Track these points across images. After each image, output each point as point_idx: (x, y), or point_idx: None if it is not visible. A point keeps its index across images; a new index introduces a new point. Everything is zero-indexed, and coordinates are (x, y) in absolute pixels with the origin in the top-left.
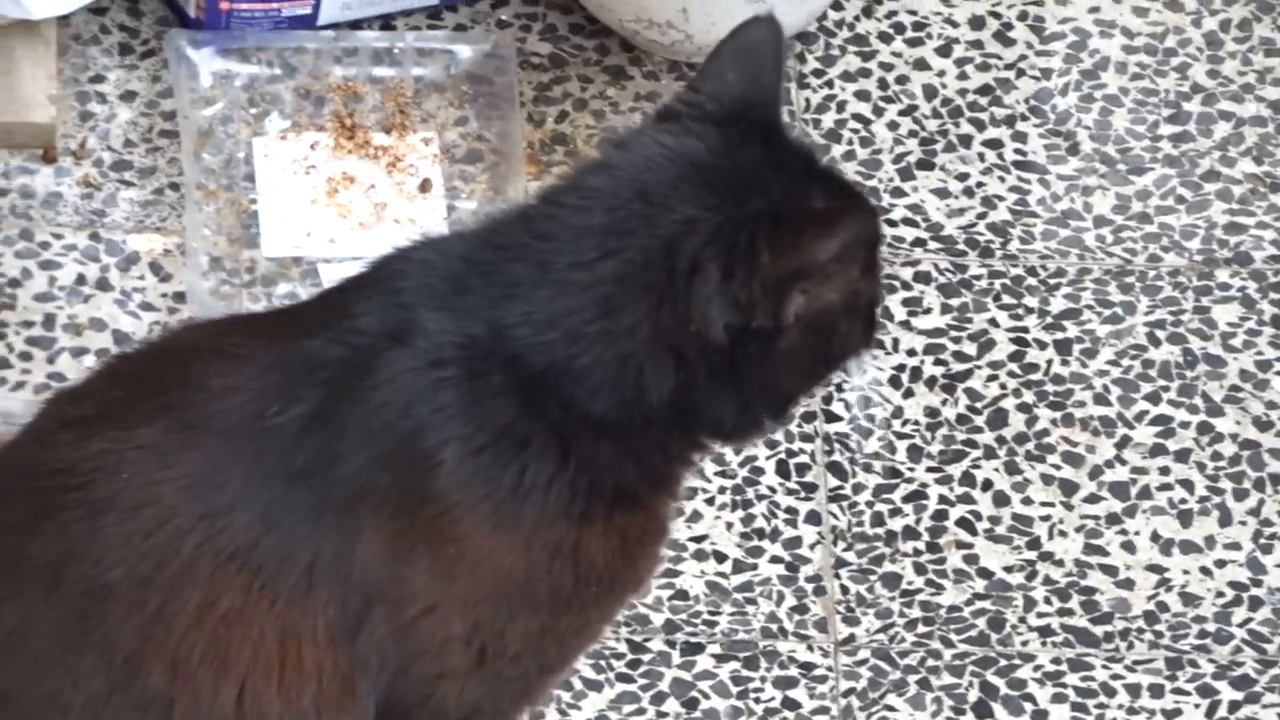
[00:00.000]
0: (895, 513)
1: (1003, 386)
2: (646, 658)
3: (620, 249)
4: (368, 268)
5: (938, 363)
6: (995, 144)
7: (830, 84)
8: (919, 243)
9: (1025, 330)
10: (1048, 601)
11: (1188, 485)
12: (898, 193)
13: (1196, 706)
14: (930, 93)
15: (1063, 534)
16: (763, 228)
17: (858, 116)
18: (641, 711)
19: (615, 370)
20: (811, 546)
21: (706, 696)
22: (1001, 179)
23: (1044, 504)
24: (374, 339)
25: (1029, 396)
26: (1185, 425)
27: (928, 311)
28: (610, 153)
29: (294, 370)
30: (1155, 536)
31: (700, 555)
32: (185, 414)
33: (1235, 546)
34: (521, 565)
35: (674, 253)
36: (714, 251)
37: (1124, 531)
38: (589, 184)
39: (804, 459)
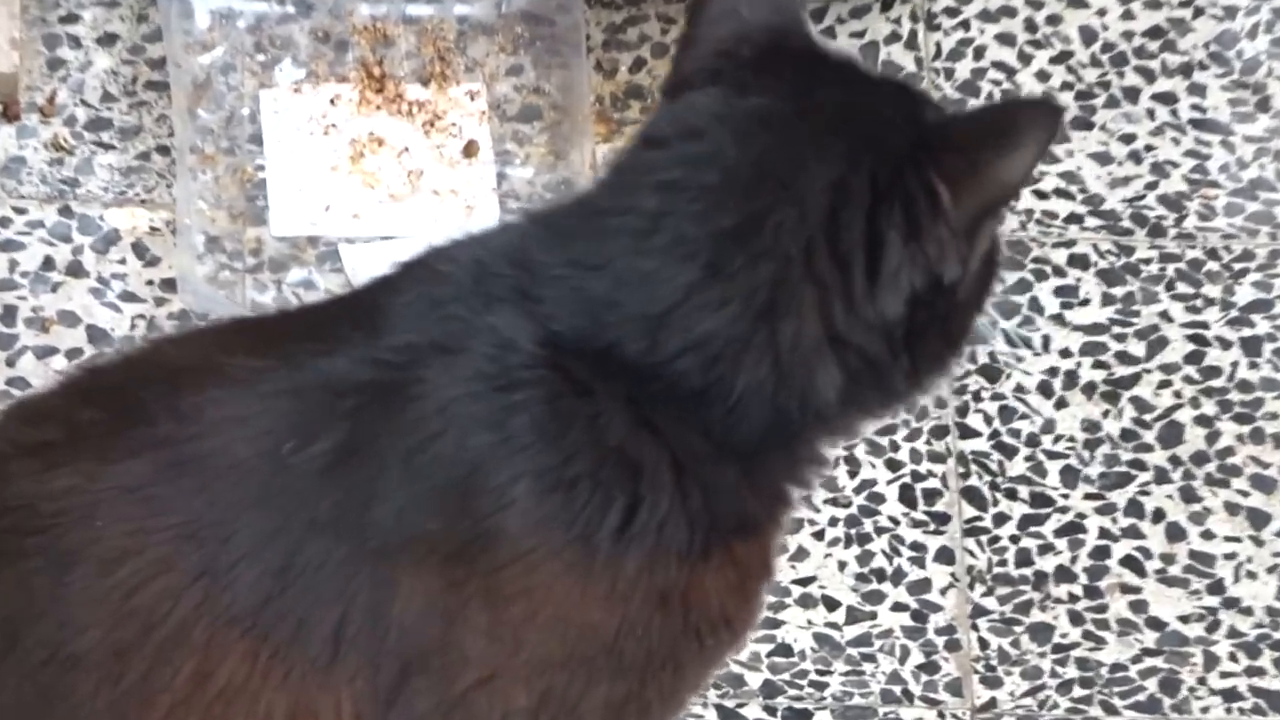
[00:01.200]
0: (1046, 549)
1: (1178, 395)
2: None
3: (761, 240)
4: (401, 267)
5: (1098, 366)
6: (1168, 98)
7: (965, 25)
8: (1074, 219)
9: (1205, 326)
10: (1233, 658)
11: None
12: (1048, 158)
13: None
14: (1089, 36)
15: (1251, 576)
16: (927, 163)
17: (999, 65)
18: None
19: (774, 385)
20: (943, 591)
21: None
22: (1175, 141)
23: (1229, 539)
24: (416, 354)
25: (1210, 407)
26: None
27: (1085, 303)
28: (681, 122)
29: (312, 399)
30: None
31: (807, 602)
32: (178, 450)
33: None
34: (615, 621)
35: (839, 227)
36: (888, 211)
37: None
38: (689, 152)
39: (934, 483)
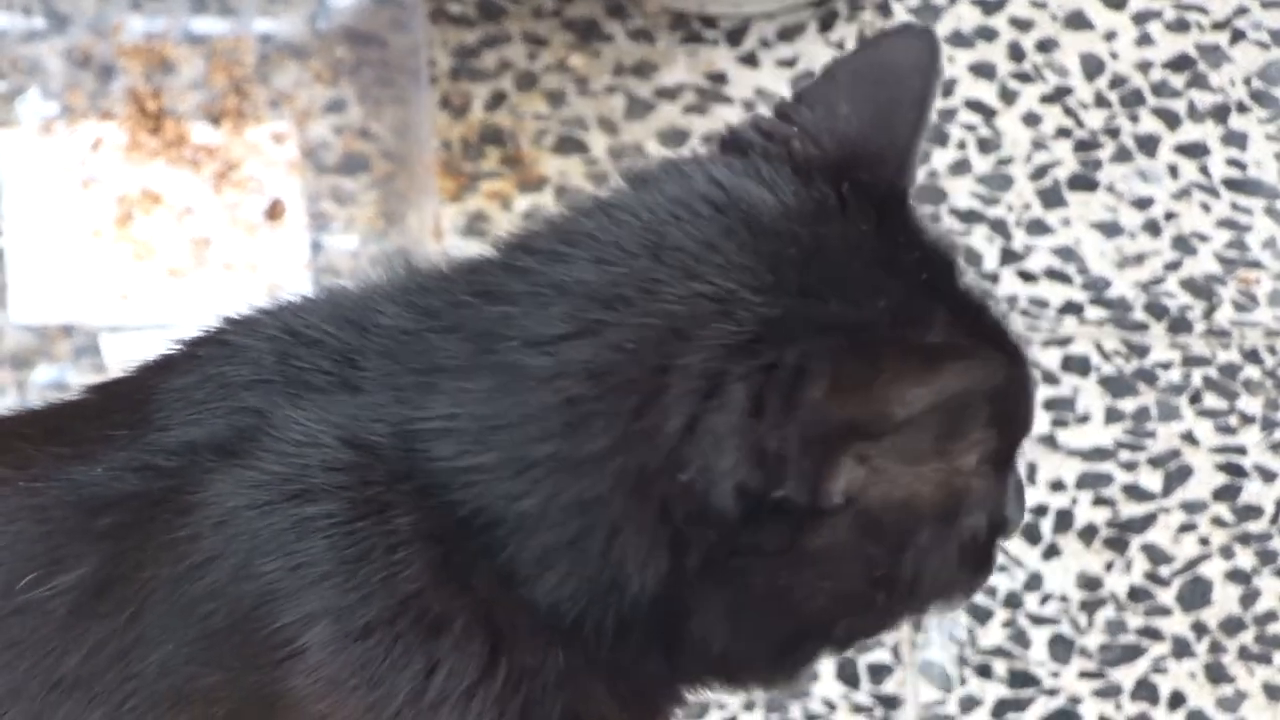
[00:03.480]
0: None
1: (1204, 542)
2: None
3: (603, 324)
4: (186, 347)
5: (1099, 503)
6: (1196, 150)
7: None
8: (1071, 309)
9: (1241, 451)
10: None
11: None
12: (1037, 228)
13: None
14: (1093, 67)
15: None
16: (829, 346)
17: (975, 105)
18: None
19: (574, 529)
20: None
21: None
22: (1206, 207)
23: None
24: (195, 455)
25: (1246, 558)
26: None
27: (1084, 420)
28: (621, 190)
29: (59, 519)
30: None
31: None
32: None
33: None
34: None
35: (683, 344)
36: (745, 363)
37: None
38: (579, 228)
39: (882, 655)
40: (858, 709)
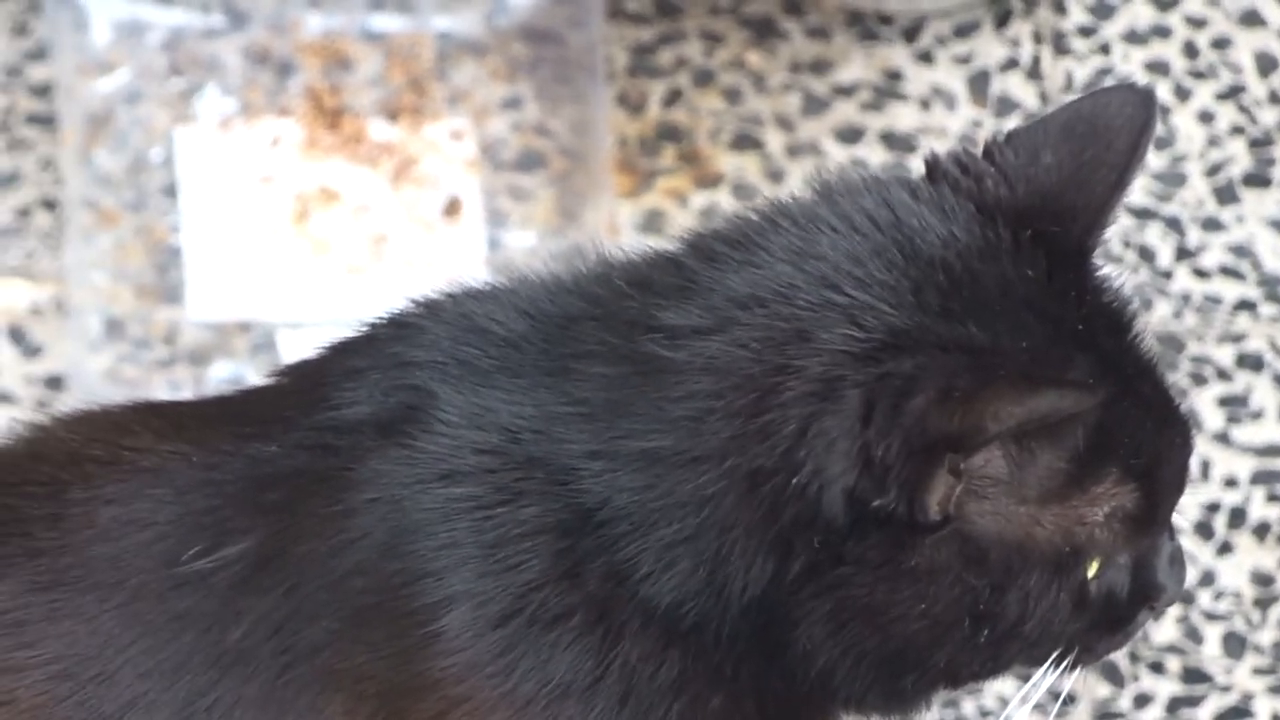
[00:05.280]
0: None
1: None
2: None
3: (734, 322)
4: (367, 328)
5: (1273, 499)
6: None
7: (1105, 48)
8: (1245, 306)
9: None
10: None
11: None
12: (1211, 225)
13: None
14: (1267, 64)
15: None
16: (948, 362)
17: None
18: None
19: (691, 526)
20: None
21: None
22: None
23: None
24: (359, 436)
25: None
26: None
27: (1257, 416)
28: (800, 197)
29: (230, 490)
30: None
31: None
32: (54, 562)
33: None
34: None
35: (805, 347)
36: (864, 370)
37: None
38: (741, 230)
39: None
40: (1030, 705)
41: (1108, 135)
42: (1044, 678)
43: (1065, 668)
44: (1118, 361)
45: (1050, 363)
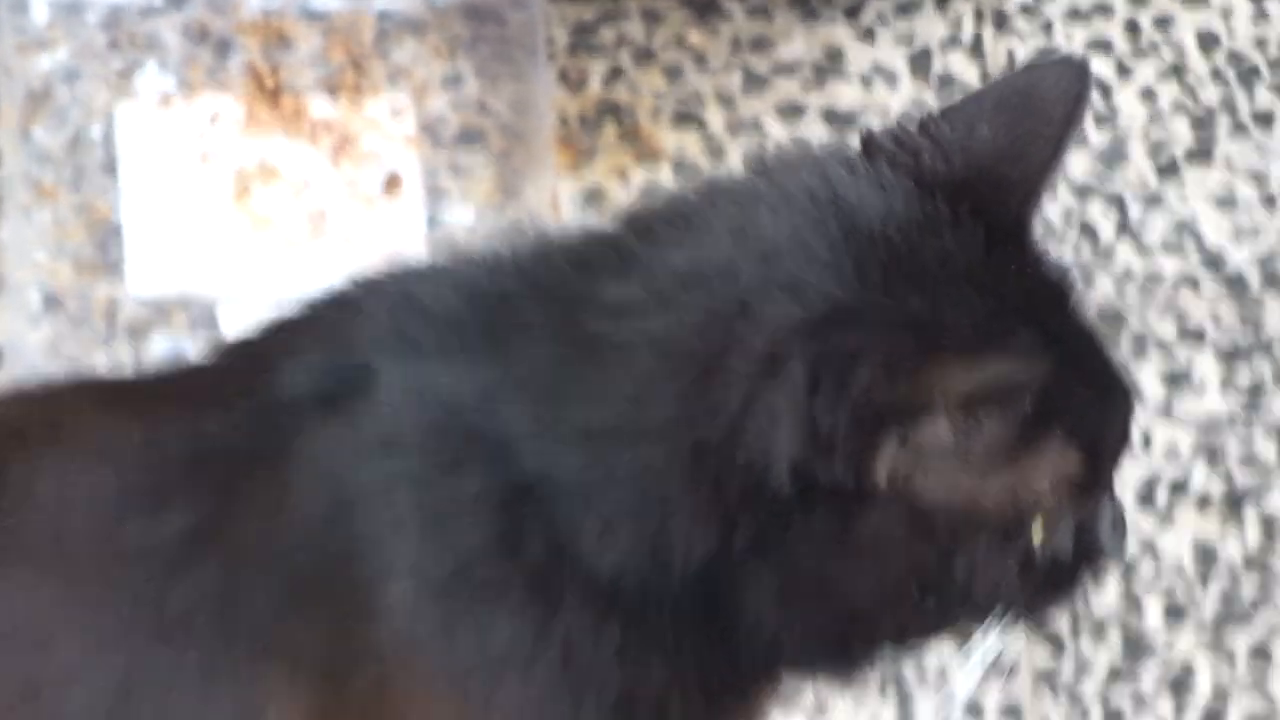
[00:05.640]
0: (1140, 707)
1: None
2: None
3: (675, 300)
4: (308, 306)
5: (1215, 472)
6: None
7: (1047, 26)
8: (1187, 282)
9: None
10: None
11: None
12: (1153, 202)
13: None
14: (1209, 43)
15: None
16: (892, 336)
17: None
18: None
19: (634, 502)
20: None
21: None
22: None
23: None
24: (301, 412)
25: None
26: None
27: (1200, 389)
28: (737, 175)
29: (171, 465)
30: None
31: None
32: None
33: None
34: None
35: (749, 323)
36: (808, 344)
37: None
38: (680, 208)
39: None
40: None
41: (1042, 108)
42: (985, 640)
43: (1007, 626)
44: (1059, 331)
45: (994, 333)
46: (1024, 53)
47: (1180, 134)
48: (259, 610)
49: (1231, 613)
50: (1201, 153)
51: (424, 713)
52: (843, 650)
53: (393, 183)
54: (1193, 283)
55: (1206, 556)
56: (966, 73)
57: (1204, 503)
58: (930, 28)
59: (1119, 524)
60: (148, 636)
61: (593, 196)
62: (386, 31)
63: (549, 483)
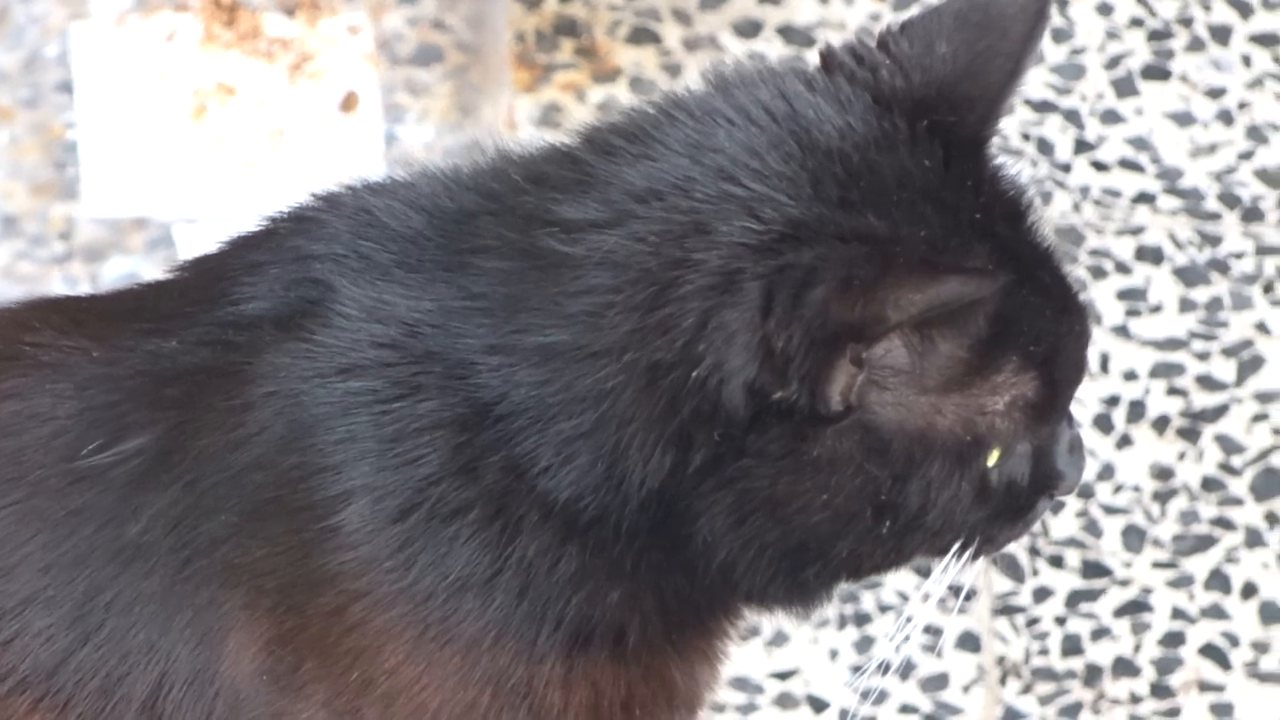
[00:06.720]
0: (1100, 634)
1: (1277, 432)
2: None
3: (631, 215)
4: (267, 222)
5: (1172, 393)
6: (1269, 39)
7: None
8: (1144, 199)
9: None
10: None
11: None
12: (1110, 118)
13: None
14: None
15: None
16: (847, 253)
17: None
18: None
19: (590, 421)
20: (966, 689)
21: None
22: (1279, 96)
23: None
24: (258, 331)
25: None
26: None
27: (1157, 310)
28: (695, 90)
29: (130, 385)
30: None
31: (786, 702)
32: None
33: None
34: (454, 708)
35: (704, 239)
36: (763, 262)
37: None
38: (637, 123)
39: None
40: (931, 600)
41: (1002, 24)
42: (945, 571)
43: (967, 559)
44: (1016, 249)
45: (950, 251)
46: None
47: (1138, 49)
48: (218, 533)
49: (1188, 534)
50: (1159, 68)
51: (383, 636)
52: (797, 576)
53: (350, 100)
54: (1150, 200)
55: (1164, 477)
56: None
57: (1162, 424)
58: None
59: (1077, 450)
60: (108, 561)
61: (549, 114)
62: None
63: (507, 402)
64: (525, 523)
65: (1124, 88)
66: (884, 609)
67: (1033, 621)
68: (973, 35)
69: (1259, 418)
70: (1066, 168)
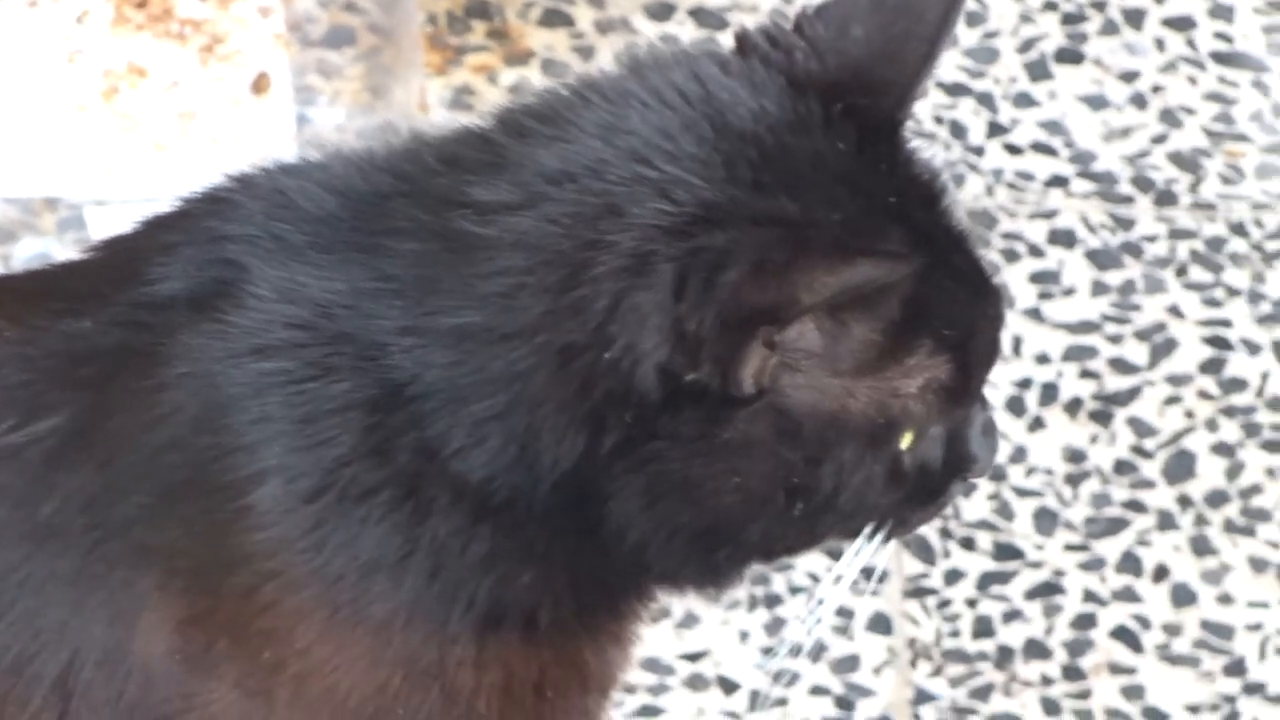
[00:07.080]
0: (1012, 616)
1: (1190, 415)
2: None
3: (544, 197)
4: (181, 202)
5: (1085, 375)
6: (1183, 23)
7: None
8: (1057, 182)
9: (1227, 324)
10: None
11: None
12: (1023, 101)
13: None
14: None
15: None
16: (760, 236)
17: None
18: None
19: (502, 403)
20: (876, 670)
21: None
22: (1192, 80)
23: (1252, 605)
24: (171, 312)
25: (1231, 431)
26: None
27: (1069, 293)
28: (608, 73)
29: (43, 365)
30: None
31: (696, 683)
32: None
33: None
34: (365, 689)
35: (617, 222)
36: (676, 244)
37: None
38: (551, 106)
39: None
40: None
41: (917, 8)
42: (857, 553)
43: (879, 541)
44: (930, 233)
45: (863, 234)
46: None
47: (1051, 31)
48: (131, 514)
49: (1100, 517)
50: (1072, 51)
51: (294, 617)
52: (708, 559)
53: (261, 83)
54: (1063, 183)
55: (1076, 460)
56: None
57: (1074, 407)
58: None
59: (989, 432)
60: (20, 541)
61: (461, 97)
62: None
63: (419, 384)
64: (437, 504)
65: (1037, 71)
66: (795, 591)
67: (944, 604)
68: (888, 19)
69: (1171, 400)
70: (979, 151)
